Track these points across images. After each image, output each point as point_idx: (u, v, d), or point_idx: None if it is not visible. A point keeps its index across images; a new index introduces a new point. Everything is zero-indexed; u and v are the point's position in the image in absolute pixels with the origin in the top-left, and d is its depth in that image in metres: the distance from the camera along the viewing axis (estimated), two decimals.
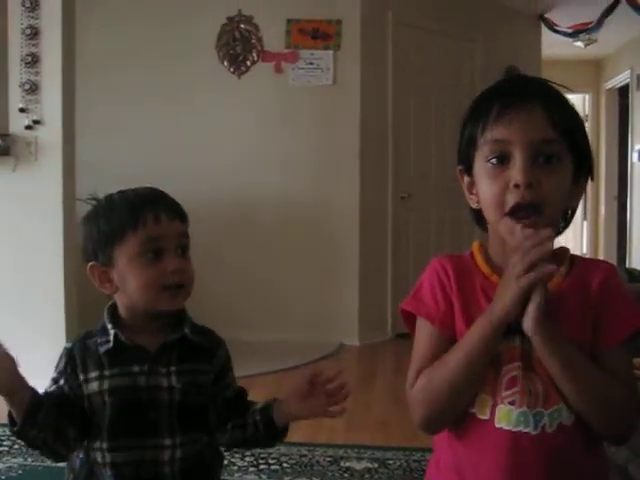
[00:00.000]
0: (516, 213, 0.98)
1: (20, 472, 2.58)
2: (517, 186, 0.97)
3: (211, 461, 1.25)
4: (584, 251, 8.23)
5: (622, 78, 7.53)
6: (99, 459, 1.17)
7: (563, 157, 1.00)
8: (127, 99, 4.75)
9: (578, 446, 1.00)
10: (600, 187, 8.17)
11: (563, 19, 5.99)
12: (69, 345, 1.22)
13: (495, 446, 1.00)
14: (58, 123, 3.53)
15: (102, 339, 1.19)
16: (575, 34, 6.20)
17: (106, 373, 1.17)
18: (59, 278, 3.54)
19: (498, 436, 1.00)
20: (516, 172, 0.98)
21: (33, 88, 3.51)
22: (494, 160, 1.00)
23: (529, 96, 1.01)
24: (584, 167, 1.04)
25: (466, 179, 1.08)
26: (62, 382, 1.19)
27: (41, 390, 1.16)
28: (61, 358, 1.21)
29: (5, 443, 2.81)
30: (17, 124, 3.51)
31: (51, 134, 3.52)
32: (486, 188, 1.02)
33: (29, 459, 2.68)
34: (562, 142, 0.99)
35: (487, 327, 0.97)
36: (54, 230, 3.53)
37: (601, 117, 8.29)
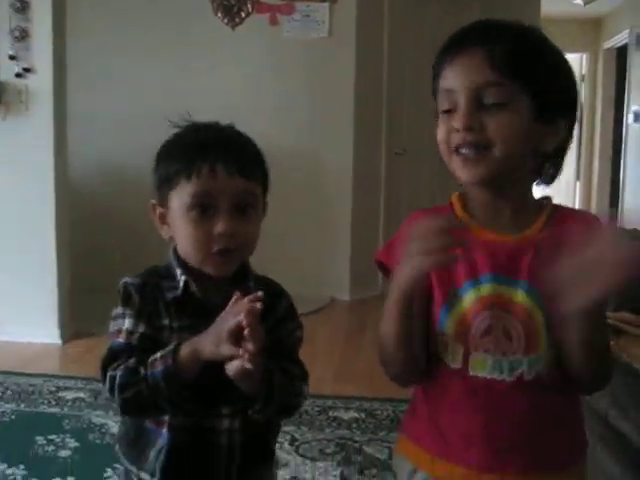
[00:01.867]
0: (459, 151, 1.00)
1: (13, 417, 2.62)
2: (458, 130, 0.99)
3: (269, 430, 1.17)
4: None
5: (621, 38, 7.45)
6: (152, 427, 1.08)
7: (512, 99, 0.98)
8: (120, 50, 4.68)
9: (554, 393, 1.02)
10: (595, 147, 8.16)
11: None
12: (138, 281, 1.08)
13: (469, 394, 1.01)
14: (49, 71, 3.48)
15: (169, 284, 1.08)
16: None
17: (175, 325, 1.06)
18: (50, 228, 3.54)
19: (472, 384, 1.01)
20: (457, 117, 0.99)
21: (23, 35, 3.45)
22: (443, 109, 1.02)
23: (473, 40, 1.00)
24: (551, 106, 1.01)
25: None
26: (143, 324, 1.05)
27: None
28: (130, 295, 1.07)
29: None
30: (7, 72, 3.47)
31: (42, 82, 3.48)
32: (438, 134, 1.03)
33: (22, 405, 2.72)
34: (509, 83, 0.98)
35: (396, 291, 0.97)
36: (44, 179, 3.51)
37: (598, 77, 8.24)
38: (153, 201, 1.12)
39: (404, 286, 0.96)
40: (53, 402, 2.76)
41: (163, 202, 1.10)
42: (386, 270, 1.09)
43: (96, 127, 4.53)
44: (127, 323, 1.06)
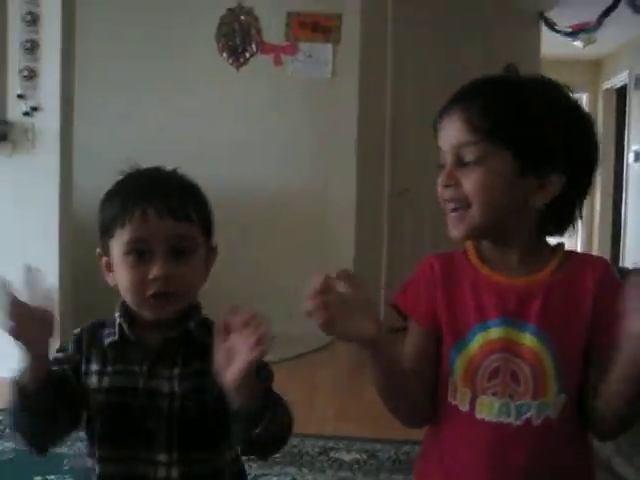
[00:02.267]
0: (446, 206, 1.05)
1: (11, 456, 2.60)
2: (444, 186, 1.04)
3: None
4: (578, 249, 8.25)
5: (620, 79, 7.55)
6: (90, 465, 1.09)
7: (487, 157, 1.00)
8: (126, 86, 4.74)
9: (563, 440, 1.01)
10: (596, 187, 8.18)
11: (563, 18, 6.00)
12: (78, 331, 1.13)
13: (476, 437, 1.01)
14: (56, 110, 3.53)
15: (110, 330, 1.10)
16: (574, 34, 6.21)
17: (108, 369, 1.07)
18: (54, 266, 3.55)
19: (479, 427, 1.01)
20: (441, 174, 1.04)
21: (32, 75, 3.51)
22: (440, 166, 1.06)
23: (456, 100, 1.04)
24: (537, 160, 1.00)
25: None
26: (66, 366, 1.09)
27: None
28: (71, 343, 1.12)
29: None
30: (15, 110, 3.52)
31: (49, 121, 3.53)
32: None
33: None
34: (485, 141, 1.00)
35: (372, 364, 1.02)
36: (50, 216, 3.54)
37: (598, 117, 8.31)
38: (98, 250, 1.13)
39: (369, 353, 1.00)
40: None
41: (106, 251, 1.11)
42: (403, 314, 1.12)
43: (100, 161, 4.56)
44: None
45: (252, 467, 2.51)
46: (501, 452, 1.00)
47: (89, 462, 1.09)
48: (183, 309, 1.10)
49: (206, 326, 1.10)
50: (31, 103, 3.51)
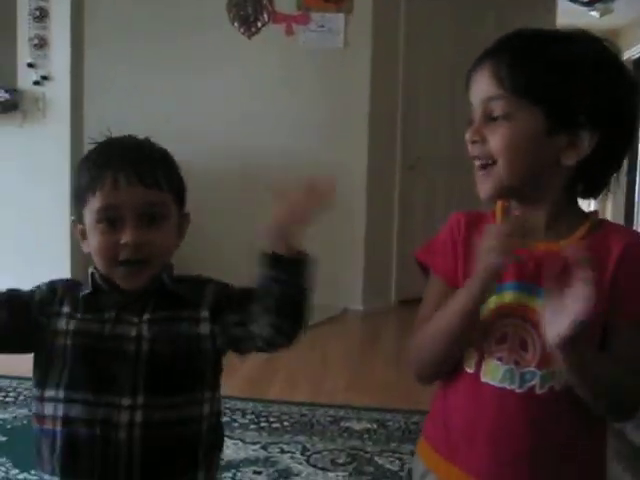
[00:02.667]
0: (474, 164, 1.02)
1: (25, 422, 2.63)
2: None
3: (198, 436, 1.08)
4: None
5: (638, 50, 7.42)
6: (50, 411, 1.06)
7: (516, 111, 0.97)
8: (134, 59, 4.72)
9: (568, 412, 0.99)
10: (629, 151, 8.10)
11: None
12: (57, 280, 1.15)
13: (479, 401, 1.00)
14: (66, 79, 3.53)
15: (85, 286, 1.11)
16: (591, 3, 6.11)
17: (77, 315, 1.08)
18: (65, 236, 3.56)
19: (483, 391, 1.00)
20: (468, 131, 1.02)
21: (42, 43, 3.50)
22: (468, 121, 1.03)
23: (487, 54, 1.01)
24: (567, 117, 0.97)
25: None
26: (36, 297, 1.11)
27: None
28: (45, 285, 1.14)
29: (11, 394, 2.86)
30: (25, 79, 3.52)
31: (59, 90, 3.52)
32: None
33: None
34: (513, 97, 0.97)
35: (469, 300, 0.97)
36: (60, 187, 3.54)
37: None
38: (73, 218, 1.14)
39: (479, 284, 0.95)
40: None
41: (80, 218, 1.11)
42: (424, 269, 1.10)
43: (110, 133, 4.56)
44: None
45: (262, 435, 2.53)
46: (501, 417, 0.99)
47: (49, 408, 1.06)
48: (155, 275, 1.10)
49: (180, 280, 1.12)
50: (41, 72, 3.50)
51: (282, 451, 2.42)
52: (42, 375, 1.09)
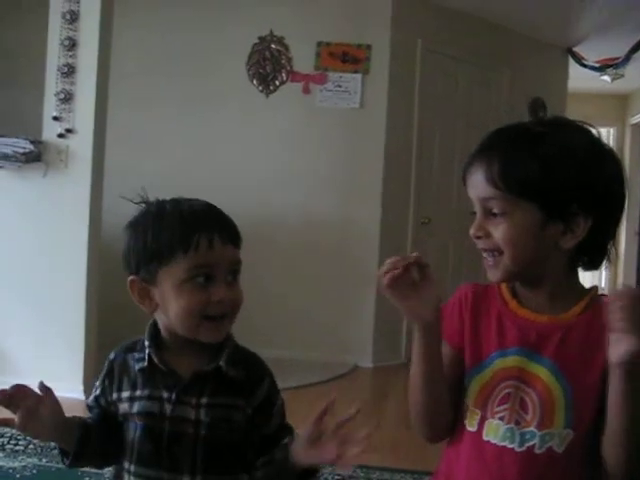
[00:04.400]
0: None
1: (34, 472, 2.63)
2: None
3: None
4: (602, 288, 8.16)
5: None
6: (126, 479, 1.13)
7: (512, 209, 1.03)
8: (156, 110, 4.83)
9: (566, 475, 1.02)
10: (621, 225, 8.12)
11: (591, 53, 6.03)
12: (112, 356, 1.18)
13: (480, 458, 1.05)
14: (90, 133, 3.61)
15: (140, 355, 1.13)
16: (602, 68, 6.22)
17: (137, 394, 1.11)
18: (81, 284, 3.61)
19: (485, 449, 1.05)
20: (472, 226, 1.09)
21: (68, 97, 3.60)
22: (472, 213, 1.11)
23: (478, 156, 1.08)
24: (560, 206, 1.02)
25: None
26: (99, 393, 1.17)
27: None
28: (104, 368, 1.18)
29: (21, 442, 2.86)
30: (50, 132, 3.61)
31: (82, 143, 3.61)
32: None
33: (43, 459, 2.72)
34: (507, 196, 1.03)
35: (420, 345, 1.08)
36: (79, 235, 3.61)
37: (625, 152, 8.28)
38: (132, 278, 1.12)
39: (418, 332, 1.07)
40: None
41: (148, 278, 1.10)
42: None
43: (129, 187, 4.65)
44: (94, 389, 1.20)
45: None
46: (502, 476, 1.03)
47: (124, 475, 1.13)
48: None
49: (236, 361, 1.13)
50: (66, 125, 3.60)
51: None
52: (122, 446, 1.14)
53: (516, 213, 1.04)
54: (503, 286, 1.13)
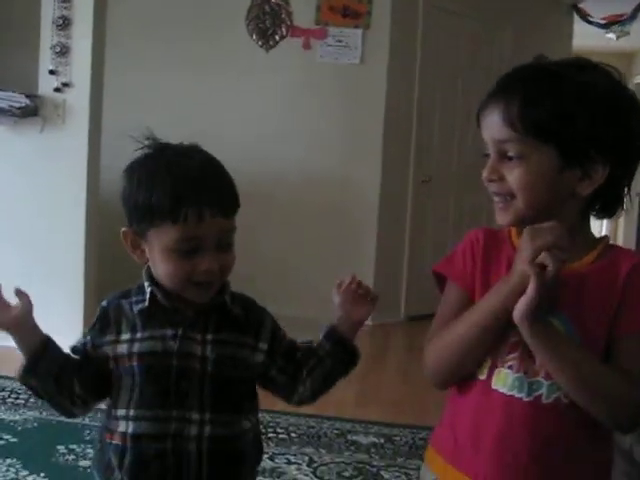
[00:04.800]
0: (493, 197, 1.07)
1: (35, 424, 2.65)
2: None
3: (249, 450, 1.16)
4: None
5: None
6: (121, 428, 1.10)
7: (530, 151, 1.01)
8: (155, 68, 4.78)
9: (573, 425, 1.02)
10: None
11: (596, 9, 5.93)
12: (105, 303, 1.16)
13: (488, 407, 1.04)
14: (87, 87, 3.56)
15: (138, 297, 1.13)
16: (608, 25, 6.13)
17: (137, 336, 1.10)
18: (80, 238, 3.60)
19: (493, 398, 1.04)
20: (485, 168, 1.06)
21: (64, 51, 3.54)
22: (485, 155, 1.07)
23: (496, 95, 1.04)
24: (579, 151, 1.00)
25: None
26: (88, 338, 1.14)
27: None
28: (96, 315, 1.16)
29: (22, 396, 2.88)
30: (46, 86, 3.55)
31: (79, 97, 3.56)
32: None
33: (44, 412, 2.75)
34: (524, 139, 1.00)
35: (498, 305, 1.00)
36: (77, 191, 3.58)
37: None
38: (124, 229, 1.12)
39: (509, 299, 0.98)
40: None
41: (139, 233, 1.10)
42: (441, 283, 1.15)
43: (128, 142, 4.61)
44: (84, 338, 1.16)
45: (270, 445, 2.55)
46: (509, 424, 1.02)
47: (119, 425, 1.11)
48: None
49: (239, 300, 1.16)
50: (62, 79, 3.54)
51: (289, 462, 2.43)
52: (113, 394, 1.13)
53: (533, 157, 1.01)
54: (513, 232, 1.10)
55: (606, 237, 1.09)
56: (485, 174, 1.05)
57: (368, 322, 4.60)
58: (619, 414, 1.00)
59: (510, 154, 1.02)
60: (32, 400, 2.86)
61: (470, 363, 1.06)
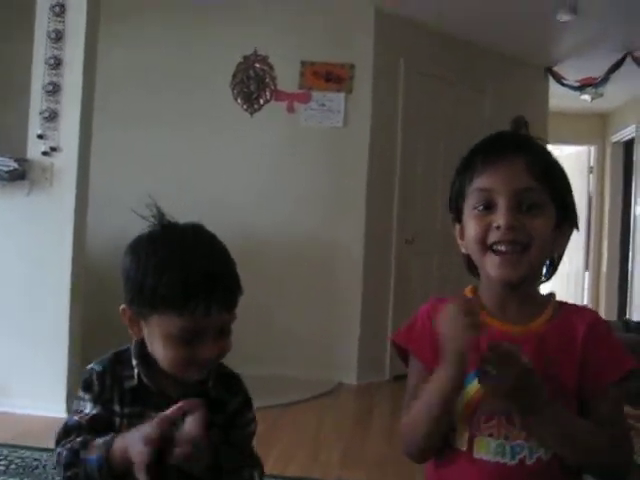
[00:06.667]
0: (496, 248, 1.06)
1: None
2: (499, 227, 1.06)
3: None
4: (585, 302, 8.24)
5: (628, 132, 7.64)
6: None
7: (545, 205, 1.07)
8: (140, 128, 4.83)
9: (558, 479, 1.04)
10: (603, 238, 8.23)
11: (570, 72, 6.12)
12: (99, 369, 1.15)
13: (475, 476, 1.05)
14: (74, 151, 3.62)
15: (128, 373, 1.14)
16: (582, 88, 6.31)
17: (126, 411, 1.12)
18: (65, 302, 3.59)
19: (477, 466, 1.05)
20: (499, 216, 1.06)
21: (52, 116, 3.61)
22: (481, 207, 1.09)
23: (512, 148, 1.10)
24: (566, 215, 1.11)
25: (457, 226, 1.16)
26: (88, 405, 1.13)
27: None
28: (92, 382, 1.14)
29: (2, 462, 2.83)
30: (34, 150, 3.61)
31: (67, 161, 3.61)
32: (471, 229, 1.09)
33: (25, 479, 2.70)
34: (543, 191, 1.07)
35: (446, 384, 1.02)
36: (63, 254, 3.59)
37: (606, 170, 8.39)
38: (124, 307, 1.13)
39: (451, 368, 1.00)
40: (57, 478, 2.73)
41: (140, 315, 1.11)
42: (403, 352, 1.16)
43: (116, 201, 4.65)
44: (84, 406, 1.13)
45: None
46: None
47: None
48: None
49: (222, 382, 1.17)
50: (50, 143, 3.60)
51: None
52: None
53: (547, 209, 1.07)
54: (469, 294, 1.14)
55: (553, 294, 1.14)
56: (506, 221, 1.05)
57: (353, 382, 4.58)
58: (609, 468, 1.04)
59: (530, 203, 1.06)
60: (13, 466, 2.81)
61: (434, 438, 1.07)
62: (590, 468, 1.04)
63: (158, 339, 1.09)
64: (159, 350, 1.10)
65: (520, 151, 1.08)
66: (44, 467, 2.81)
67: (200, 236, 1.15)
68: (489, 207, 1.07)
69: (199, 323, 1.06)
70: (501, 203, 1.06)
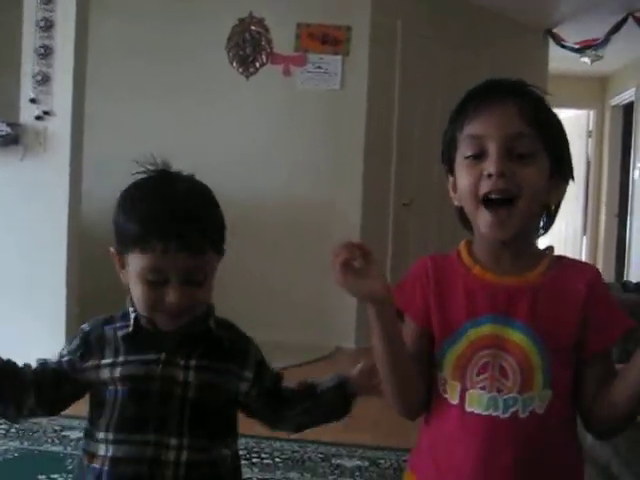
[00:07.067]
0: (488, 205, 1.04)
1: (16, 455, 2.62)
2: (490, 176, 1.02)
3: (227, 478, 1.15)
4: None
5: (627, 95, 7.57)
6: (101, 452, 1.09)
7: (537, 153, 1.04)
8: (135, 95, 4.80)
9: (550, 435, 1.04)
10: (601, 203, 8.21)
11: (570, 34, 6.05)
12: (87, 328, 1.16)
13: (466, 430, 1.04)
14: (68, 115, 3.58)
15: (122, 323, 1.14)
16: (582, 50, 6.24)
17: (119, 360, 1.11)
18: (61, 269, 3.59)
19: (470, 419, 1.04)
20: (489, 163, 1.02)
21: (45, 79, 3.56)
22: (471, 156, 1.05)
23: (503, 93, 1.06)
24: (562, 165, 1.07)
25: (450, 179, 1.13)
26: (66, 359, 1.14)
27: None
28: (75, 338, 1.15)
29: (2, 426, 2.85)
30: (27, 114, 3.57)
31: (60, 125, 3.57)
32: (463, 179, 1.06)
33: (25, 443, 2.72)
34: (536, 138, 1.03)
35: (375, 326, 1.04)
36: (58, 220, 3.58)
37: (605, 133, 8.34)
38: (112, 249, 1.14)
39: (371, 314, 1.04)
40: (57, 441, 2.76)
41: (121, 255, 1.12)
42: (399, 313, 1.13)
43: (110, 169, 4.61)
44: (60, 354, 1.16)
45: (254, 471, 2.53)
46: (491, 444, 1.03)
47: (99, 448, 1.10)
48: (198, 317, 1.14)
49: (223, 326, 1.17)
50: (43, 107, 3.55)
51: None
52: (94, 417, 1.13)
53: (539, 157, 1.04)
54: (464, 253, 1.11)
55: (552, 247, 1.12)
56: (496, 167, 1.02)
57: (352, 346, 4.60)
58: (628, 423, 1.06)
59: (521, 151, 1.03)
60: (13, 430, 2.83)
61: (408, 392, 1.08)
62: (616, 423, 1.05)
63: (132, 278, 1.10)
64: (133, 290, 1.11)
65: (514, 96, 1.05)
66: (44, 432, 2.83)
67: (181, 182, 1.14)
68: (480, 155, 1.04)
69: (158, 262, 1.06)
70: (492, 149, 1.02)
